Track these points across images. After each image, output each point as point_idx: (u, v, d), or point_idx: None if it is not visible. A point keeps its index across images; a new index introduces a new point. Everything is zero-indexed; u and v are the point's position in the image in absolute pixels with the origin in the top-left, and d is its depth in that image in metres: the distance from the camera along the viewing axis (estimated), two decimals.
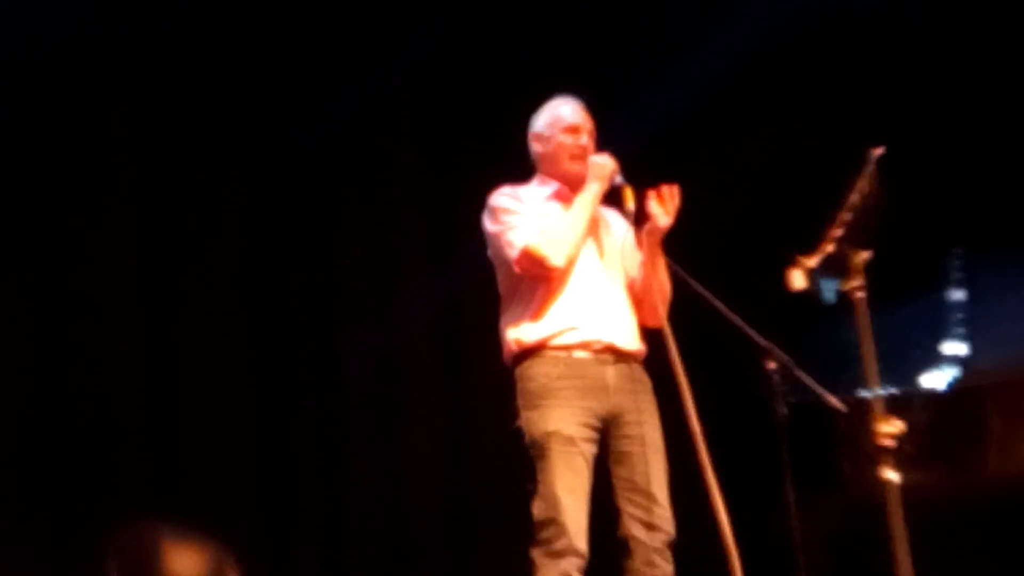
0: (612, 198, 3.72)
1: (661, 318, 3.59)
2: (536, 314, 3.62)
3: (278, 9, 5.16)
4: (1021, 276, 4.89)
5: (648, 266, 3.69)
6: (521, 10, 5.62)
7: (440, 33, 5.39)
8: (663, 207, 3.66)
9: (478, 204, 3.78)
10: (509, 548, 3.73)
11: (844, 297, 3.02)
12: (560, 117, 3.81)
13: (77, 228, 4.59)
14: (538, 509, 3.48)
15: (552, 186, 3.80)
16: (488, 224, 3.72)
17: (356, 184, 5.30)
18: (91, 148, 4.66)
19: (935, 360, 4.86)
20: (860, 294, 3.01)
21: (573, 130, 3.78)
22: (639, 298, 3.74)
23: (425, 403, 5.24)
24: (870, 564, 3.71)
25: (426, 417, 5.22)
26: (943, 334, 4.90)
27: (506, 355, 3.68)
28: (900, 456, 2.99)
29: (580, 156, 3.74)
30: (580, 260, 3.65)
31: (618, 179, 3.68)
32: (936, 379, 4.83)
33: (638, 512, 3.53)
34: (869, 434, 3.01)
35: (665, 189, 3.67)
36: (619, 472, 3.58)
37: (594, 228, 3.72)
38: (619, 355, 3.62)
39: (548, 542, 3.44)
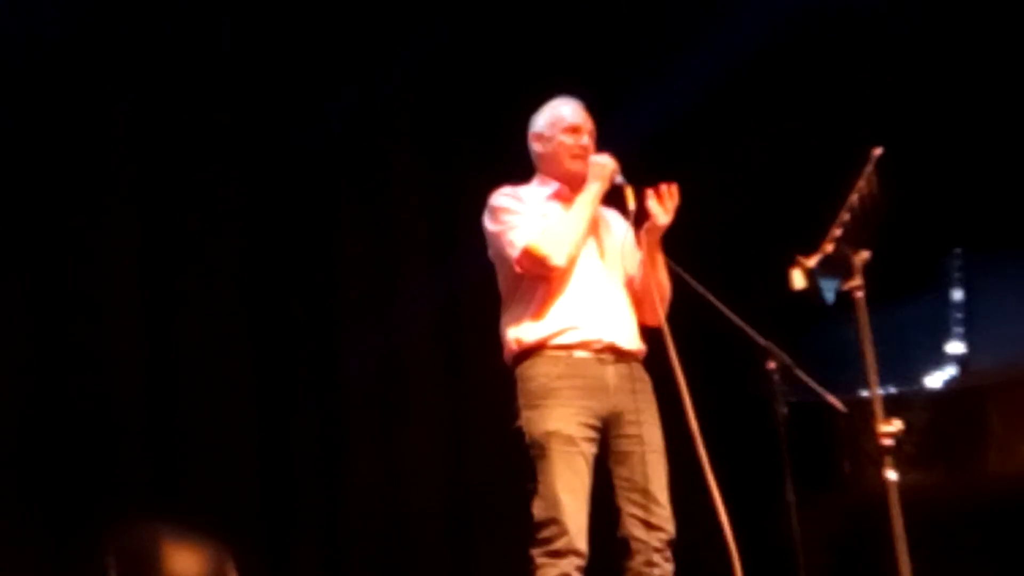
0: (613, 198, 3.72)
1: (660, 317, 3.60)
2: (536, 314, 3.62)
3: (278, 9, 5.16)
4: (1021, 276, 4.89)
5: (647, 264, 3.69)
6: (521, 10, 5.63)
7: (440, 33, 5.39)
8: (662, 205, 3.66)
9: (478, 204, 3.78)
10: (509, 548, 3.73)
11: (844, 297, 3.02)
12: (561, 117, 3.81)
13: (77, 228, 4.59)
14: (538, 509, 3.48)
15: (552, 186, 3.80)
16: (488, 224, 3.72)
17: (356, 184, 5.30)
18: (91, 148, 4.65)
19: (935, 360, 4.86)
20: (860, 294, 3.01)
21: (574, 130, 3.78)
22: (639, 297, 3.74)
23: (425, 403, 5.24)
24: (870, 564, 3.73)
25: (426, 417, 5.22)
26: (943, 334, 4.91)
27: (506, 355, 3.68)
28: (900, 456, 3.00)
29: (581, 156, 3.74)
30: (580, 260, 3.65)
31: (619, 179, 3.69)
32: (936, 379, 4.83)
33: (638, 512, 3.53)
34: (869, 434, 3.01)
35: (664, 187, 3.67)
36: (619, 472, 3.58)
37: (594, 228, 3.72)
38: (619, 355, 3.62)
39: (548, 542, 3.44)
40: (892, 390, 4.48)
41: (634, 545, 3.53)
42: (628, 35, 5.80)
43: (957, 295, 4.99)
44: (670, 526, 3.55)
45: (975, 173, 5.53)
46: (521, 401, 3.57)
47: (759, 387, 3.90)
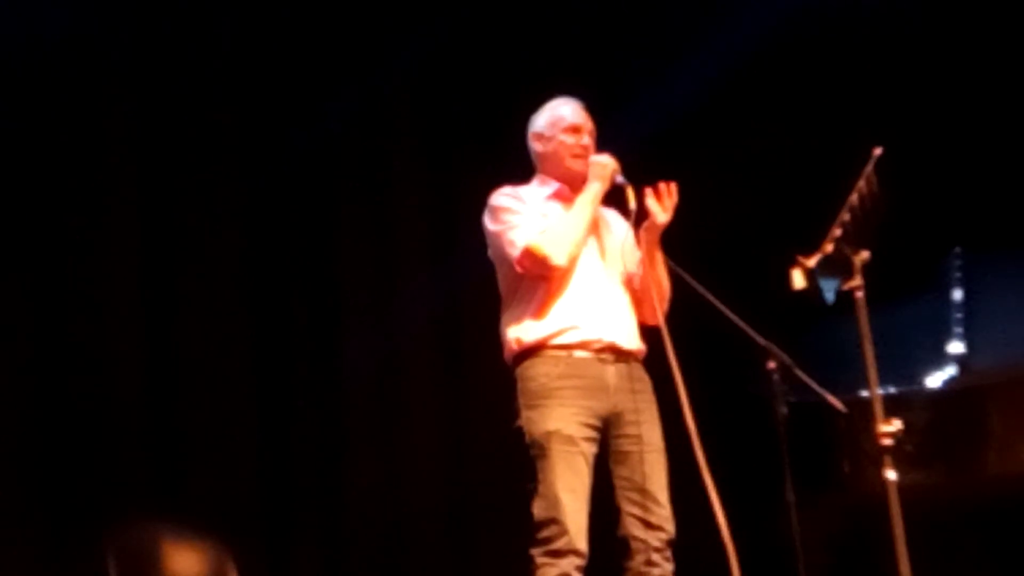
0: (613, 198, 3.72)
1: (660, 316, 3.60)
2: (537, 313, 3.62)
3: (278, 9, 5.16)
4: (1021, 276, 4.90)
5: (646, 263, 3.69)
6: (521, 10, 5.63)
7: (440, 33, 5.39)
8: (660, 204, 3.66)
9: (478, 204, 3.78)
10: (509, 548, 3.73)
11: (844, 297, 3.02)
12: (561, 117, 3.81)
13: (77, 228, 4.59)
14: (538, 509, 3.48)
15: (552, 186, 3.80)
16: (489, 224, 3.72)
17: (356, 184, 5.30)
18: (91, 148, 4.65)
19: (935, 360, 4.86)
20: (860, 294, 3.01)
21: (574, 130, 3.78)
22: (639, 297, 3.74)
23: (425, 403, 5.24)
24: (870, 564, 3.73)
25: (426, 417, 5.22)
26: (943, 334, 4.91)
27: (506, 355, 3.68)
28: (900, 456, 3.00)
29: (581, 156, 3.74)
30: (581, 260, 3.65)
31: (619, 179, 3.69)
32: (936, 379, 4.83)
33: (638, 512, 3.53)
34: (869, 434, 3.01)
35: (663, 186, 3.67)
36: (619, 472, 3.58)
37: (595, 228, 3.72)
38: (619, 354, 3.62)
39: (548, 542, 3.44)
40: (892, 390, 4.48)
41: (634, 545, 3.53)
42: (628, 35, 5.80)
43: (957, 295, 4.99)
44: (670, 526, 3.55)
45: (975, 173, 5.54)
46: (521, 401, 3.57)
47: (759, 387, 3.91)
